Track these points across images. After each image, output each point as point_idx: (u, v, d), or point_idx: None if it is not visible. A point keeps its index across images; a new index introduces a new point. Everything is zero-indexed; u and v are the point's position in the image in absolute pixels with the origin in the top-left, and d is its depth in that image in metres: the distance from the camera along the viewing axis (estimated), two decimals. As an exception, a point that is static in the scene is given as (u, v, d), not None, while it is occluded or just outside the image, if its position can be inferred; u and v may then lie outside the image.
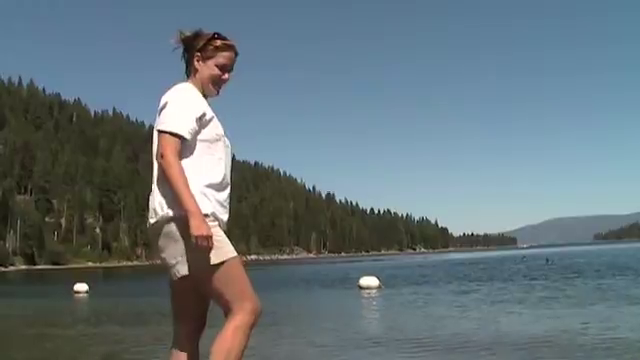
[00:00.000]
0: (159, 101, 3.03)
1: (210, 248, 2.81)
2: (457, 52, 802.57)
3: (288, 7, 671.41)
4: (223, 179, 3.04)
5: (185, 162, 2.90)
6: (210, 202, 2.94)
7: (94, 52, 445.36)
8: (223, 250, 2.91)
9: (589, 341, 8.18)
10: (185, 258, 2.88)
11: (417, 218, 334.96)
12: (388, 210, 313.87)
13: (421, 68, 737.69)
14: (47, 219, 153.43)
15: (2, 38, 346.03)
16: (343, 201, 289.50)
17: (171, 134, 2.88)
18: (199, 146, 2.97)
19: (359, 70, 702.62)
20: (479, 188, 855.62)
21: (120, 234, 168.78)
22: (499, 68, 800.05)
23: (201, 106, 3.00)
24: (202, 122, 2.97)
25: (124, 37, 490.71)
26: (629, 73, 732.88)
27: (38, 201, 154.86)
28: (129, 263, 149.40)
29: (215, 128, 3.04)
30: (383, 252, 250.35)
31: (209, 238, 2.79)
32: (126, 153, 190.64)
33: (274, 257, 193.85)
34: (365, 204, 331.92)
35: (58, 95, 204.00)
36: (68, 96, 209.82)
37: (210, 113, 3.04)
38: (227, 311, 2.93)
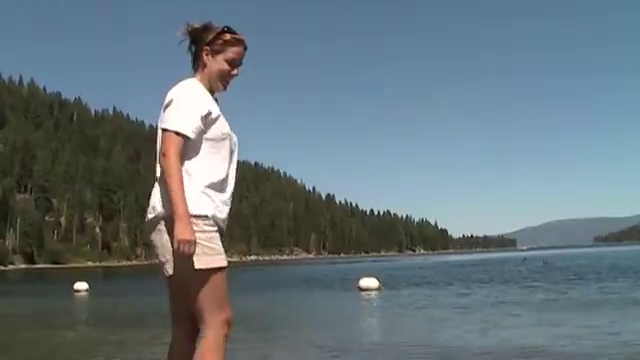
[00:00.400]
0: (164, 97, 2.97)
1: (191, 254, 2.75)
2: (457, 52, 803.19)
3: (289, 6, 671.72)
4: (226, 178, 3.00)
5: (189, 161, 2.87)
6: (213, 202, 2.89)
7: (95, 51, 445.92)
8: (212, 257, 2.84)
9: (592, 346, 8.11)
10: (172, 257, 2.84)
11: (417, 219, 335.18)
12: (388, 211, 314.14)
13: (421, 68, 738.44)
14: (47, 218, 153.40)
15: (3, 37, 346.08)
16: (343, 202, 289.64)
17: (175, 133, 2.83)
18: (204, 145, 2.92)
19: (359, 70, 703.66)
20: (479, 189, 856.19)
21: (120, 234, 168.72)
22: (499, 68, 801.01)
23: (207, 104, 2.94)
24: (207, 121, 2.91)
25: (125, 36, 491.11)
26: (630, 74, 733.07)
27: (38, 200, 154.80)
28: (129, 263, 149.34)
29: (221, 127, 2.98)
30: (382, 253, 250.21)
31: (191, 243, 2.73)
32: (126, 153, 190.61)
33: (274, 258, 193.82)
34: (365, 205, 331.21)
35: (59, 94, 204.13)
36: (68, 95, 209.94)
37: (216, 111, 2.97)
38: (199, 319, 2.88)
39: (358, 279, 23.98)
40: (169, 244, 2.82)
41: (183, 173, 2.83)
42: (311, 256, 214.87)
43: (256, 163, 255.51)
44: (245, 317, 12.39)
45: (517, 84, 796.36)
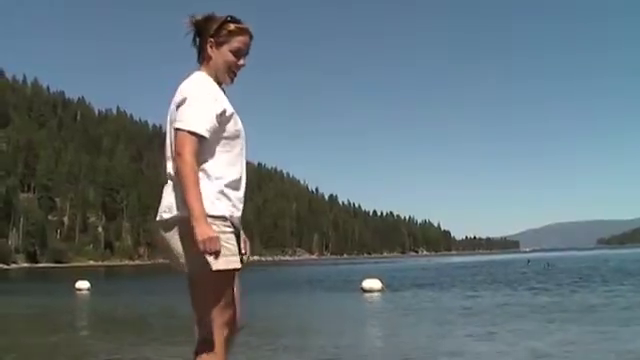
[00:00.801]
0: (175, 92, 2.90)
1: (218, 251, 2.70)
2: (459, 54, 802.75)
3: (291, 9, 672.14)
4: (241, 176, 2.97)
5: (206, 161, 2.82)
6: (230, 202, 2.87)
7: (98, 51, 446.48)
8: (228, 258, 2.79)
9: (600, 351, 7.99)
10: (188, 256, 2.80)
11: (420, 221, 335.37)
12: (391, 212, 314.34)
13: (423, 70, 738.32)
14: (50, 217, 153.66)
15: (7, 36, 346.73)
16: (346, 203, 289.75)
17: (190, 133, 2.75)
18: (220, 143, 2.87)
19: (362, 71, 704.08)
20: (481, 191, 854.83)
21: (123, 233, 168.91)
22: (499, 71, 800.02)
23: (221, 102, 2.88)
24: (222, 119, 2.85)
25: (128, 36, 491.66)
26: (631, 77, 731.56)
27: (41, 199, 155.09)
28: (131, 262, 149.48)
29: (235, 124, 2.93)
30: (385, 254, 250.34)
31: (216, 240, 2.69)
32: (129, 152, 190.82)
33: (276, 258, 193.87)
34: (368, 206, 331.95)
35: (62, 93, 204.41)
36: (72, 94, 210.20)
37: (230, 109, 2.91)
38: (201, 318, 2.85)
39: (361, 280, 23.87)
40: (187, 243, 2.78)
41: (201, 173, 2.79)
42: (314, 257, 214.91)
43: (259, 164, 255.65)
44: (248, 319, 12.28)
45: (519, 87, 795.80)
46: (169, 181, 2.91)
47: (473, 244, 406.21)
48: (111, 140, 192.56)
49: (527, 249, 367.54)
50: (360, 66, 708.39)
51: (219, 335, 2.82)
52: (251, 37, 3.00)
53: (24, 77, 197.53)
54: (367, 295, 21.16)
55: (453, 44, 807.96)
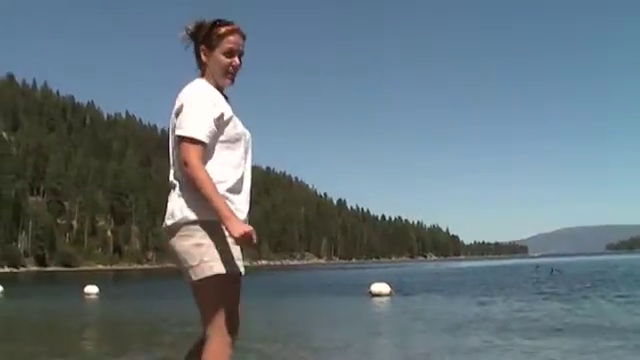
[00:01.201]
0: (175, 100, 2.92)
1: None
2: (460, 57, 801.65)
3: (301, 9, 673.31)
4: (243, 178, 2.98)
5: (207, 165, 2.82)
6: (232, 205, 2.85)
7: (108, 55, 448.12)
8: (232, 263, 2.83)
9: None
10: (196, 262, 2.81)
11: (428, 225, 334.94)
12: (399, 217, 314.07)
13: (424, 72, 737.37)
14: (59, 221, 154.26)
15: (17, 40, 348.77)
16: (354, 207, 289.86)
17: (191, 139, 2.79)
18: (219, 147, 2.89)
19: (369, 75, 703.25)
20: (490, 196, 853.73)
21: (131, 237, 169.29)
22: (501, 70, 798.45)
23: (219, 106, 2.88)
24: (221, 123, 2.87)
25: (138, 40, 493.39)
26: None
27: (50, 203, 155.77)
28: (140, 266, 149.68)
29: (234, 127, 2.94)
30: (393, 259, 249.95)
31: (251, 234, 2.73)
32: (138, 156, 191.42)
33: (285, 262, 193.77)
34: (376, 211, 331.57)
35: (72, 98, 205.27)
36: (81, 99, 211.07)
37: (229, 112, 2.92)
38: (207, 322, 2.85)
39: (369, 284, 23.79)
40: (193, 249, 2.82)
41: None
42: (322, 261, 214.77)
43: (268, 168, 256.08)
44: (257, 323, 12.22)
45: (527, 88, 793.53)
46: (173, 188, 2.94)
47: (481, 249, 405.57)
48: (120, 144, 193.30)
49: (536, 254, 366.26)
50: (369, 70, 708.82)
51: (225, 339, 2.84)
52: (243, 37, 2.99)
53: (34, 81, 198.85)
54: (376, 299, 21.08)
55: (458, 44, 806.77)
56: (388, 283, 23.99)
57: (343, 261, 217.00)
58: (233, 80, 3.01)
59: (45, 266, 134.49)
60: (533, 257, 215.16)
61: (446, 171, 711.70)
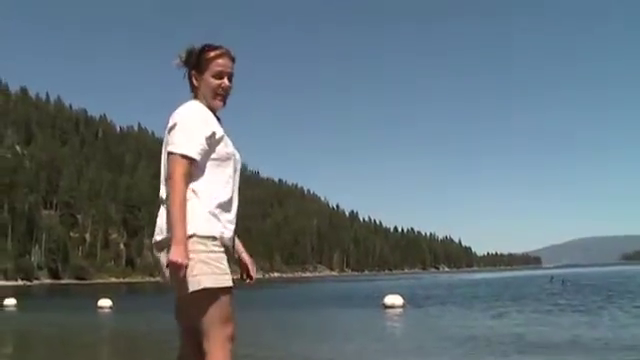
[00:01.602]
0: (169, 118, 2.98)
1: (183, 277, 2.77)
2: (468, 69, 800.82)
3: (312, 25, 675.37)
4: (232, 198, 3.02)
5: (196, 182, 2.89)
6: (220, 223, 2.91)
7: (120, 68, 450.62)
8: (219, 277, 2.85)
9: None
10: (177, 276, 2.81)
11: (440, 237, 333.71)
12: (411, 229, 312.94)
13: (426, 84, 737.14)
14: (72, 234, 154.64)
15: (31, 55, 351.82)
16: (366, 219, 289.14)
17: (181, 156, 2.85)
18: (209, 165, 2.94)
19: (382, 88, 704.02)
20: (503, 207, 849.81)
21: (144, 250, 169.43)
22: (501, 82, 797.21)
23: (210, 125, 2.95)
24: (212, 141, 2.92)
25: (150, 53, 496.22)
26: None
27: (63, 216, 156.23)
28: (152, 279, 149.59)
29: (225, 147, 2.99)
30: (406, 271, 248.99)
31: (182, 267, 2.75)
32: (151, 170, 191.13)
33: (297, 275, 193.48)
34: (389, 222, 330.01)
35: (84, 111, 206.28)
36: (94, 112, 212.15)
37: (220, 132, 2.98)
38: (204, 335, 2.87)
39: (383, 296, 23.71)
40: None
41: (191, 194, 2.88)
42: (334, 273, 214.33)
43: (280, 180, 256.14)
44: (269, 335, 12.19)
45: (535, 98, 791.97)
46: (162, 203, 3.01)
47: (494, 260, 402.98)
48: (132, 157, 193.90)
49: (549, 265, 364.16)
50: (382, 83, 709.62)
51: (224, 349, 2.87)
52: (232, 59, 3.05)
53: (47, 95, 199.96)
54: (389, 311, 21.00)
55: (462, 56, 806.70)
56: (401, 295, 23.92)
57: (355, 273, 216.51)
58: (224, 102, 3.06)
59: (58, 279, 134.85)
60: (547, 268, 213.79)
61: (458, 183, 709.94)
